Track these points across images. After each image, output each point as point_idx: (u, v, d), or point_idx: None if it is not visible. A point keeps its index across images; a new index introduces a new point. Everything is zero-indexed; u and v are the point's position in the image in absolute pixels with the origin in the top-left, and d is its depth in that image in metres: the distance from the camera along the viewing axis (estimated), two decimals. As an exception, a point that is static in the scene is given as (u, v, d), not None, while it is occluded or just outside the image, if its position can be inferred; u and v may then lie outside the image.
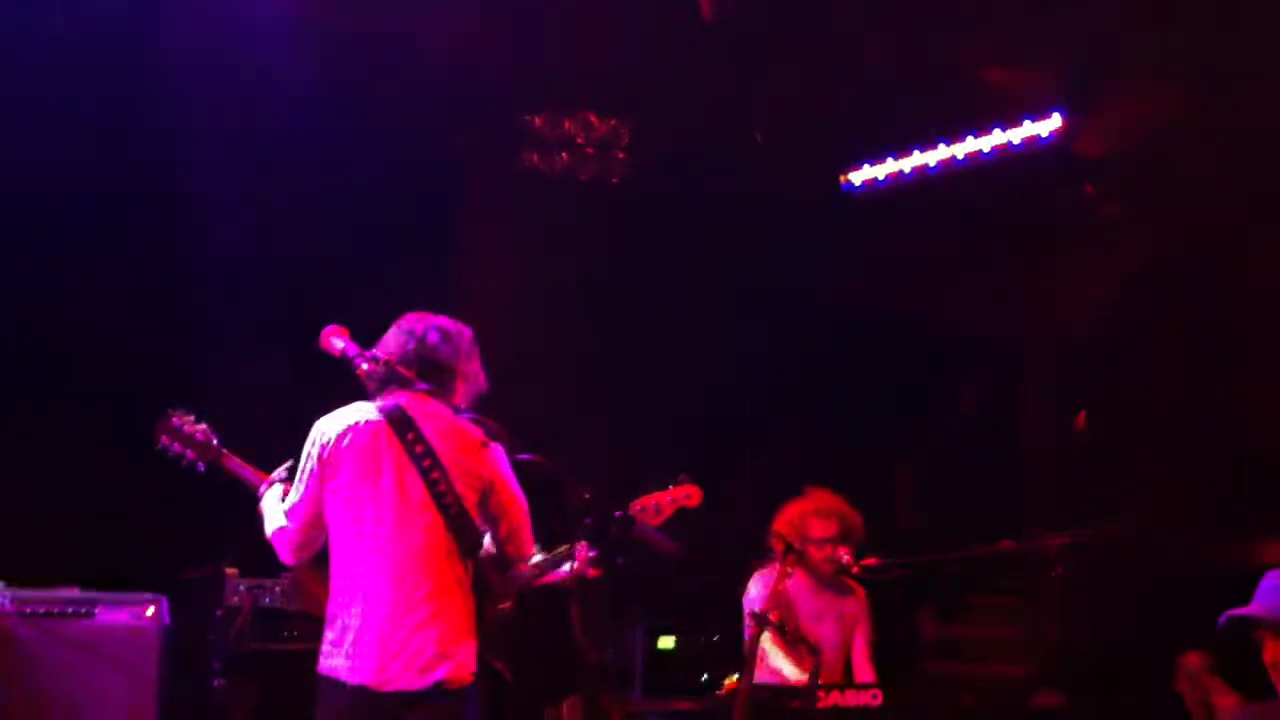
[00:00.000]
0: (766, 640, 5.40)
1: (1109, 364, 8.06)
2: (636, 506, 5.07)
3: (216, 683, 6.05)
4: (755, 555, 5.89)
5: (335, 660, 4.15)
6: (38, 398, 6.87)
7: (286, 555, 4.32)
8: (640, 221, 8.82)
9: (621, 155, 8.88)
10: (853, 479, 6.18)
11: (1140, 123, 7.54)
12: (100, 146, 7.02)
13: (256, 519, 4.46)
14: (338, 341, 4.34)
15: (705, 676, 7.28)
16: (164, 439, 4.76)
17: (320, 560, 4.32)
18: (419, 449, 4.20)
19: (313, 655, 4.26)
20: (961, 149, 8.06)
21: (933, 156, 8.21)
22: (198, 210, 7.33)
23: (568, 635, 4.95)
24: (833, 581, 5.92)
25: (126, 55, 6.98)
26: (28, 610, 5.73)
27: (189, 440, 4.74)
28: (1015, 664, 7.26)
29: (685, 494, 5.12)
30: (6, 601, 5.67)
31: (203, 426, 4.77)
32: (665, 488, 5.11)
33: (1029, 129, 7.79)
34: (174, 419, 4.77)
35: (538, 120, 8.77)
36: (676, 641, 7.61)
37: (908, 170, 8.31)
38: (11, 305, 6.94)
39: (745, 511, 6.05)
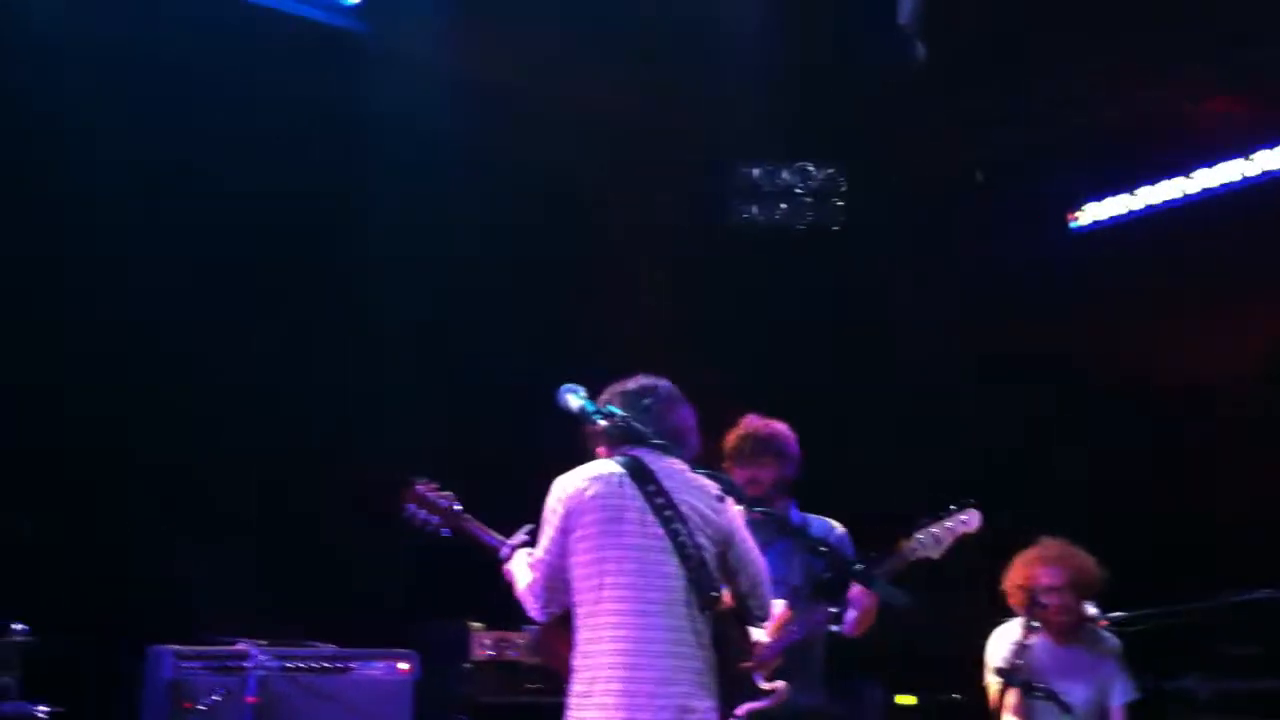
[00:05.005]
0: (1012, 699, 5.25)
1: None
2: (912, 542, 4.94)
3: (463, 734, 6.23)
4: (997, 611, 5.72)
5: (585, 712, 4.17)
6: (282, 464, 7.14)
7: (536, 611, 4.40)
8: (857, 266, 8.80)
9: (839, 203, 8.87)
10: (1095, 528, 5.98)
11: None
12: (283, 209, 7.29)
13: (501, 580, 4.56)
14: (574, 400, 4.44)
15: None
16: (410, 506, 4.91)
17: (564, 614, 4.39)
18: (660, 500, 4.25)
19: (553, 708, 4.32)
20: (1192, 184, 7.82)
21: (1161, 192, 7.98)
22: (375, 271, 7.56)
23: (807, 690, 4.92)
24: (1080, 634, 5.67)
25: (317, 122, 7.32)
26: (288, 666, 5.98)
27: (434, 507, 4.87)
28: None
29: (964, 520, 4.95)
30: (269, 659, 5.89)
31: (447, 493, 4.91)
32: (941, 516, 4.93)
33: (1264, 160, 7.52)
34: (419, 486, 4.93)
35: (754, 171, 8.86)
36: (917, 699, 7.45)
37: (1137, 208, 8.09)
38: (257, 372, 7.24)
39: (986, 564, 5.88)
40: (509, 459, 6.84)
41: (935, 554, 4.92)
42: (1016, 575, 5.64)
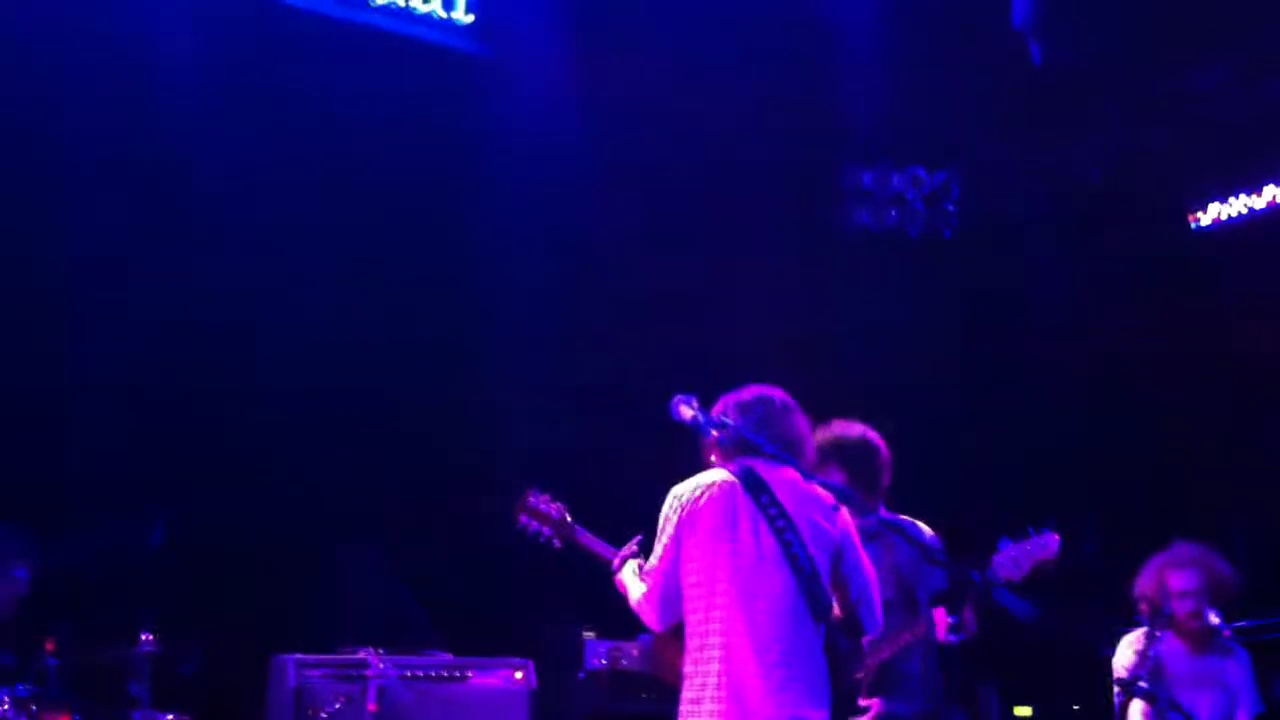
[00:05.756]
0: (1137, 709, 5.14)
1: None
2: (996, 562, 4.90)
3: (577, 742, 6.26)
4: (1120, 619, 5.61)
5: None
6: (408, 472, 7.26)
7: (653, 620, 4.41)
8: (971, 271, 8.69)
9: (951, 208, 8.77)
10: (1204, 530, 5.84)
11: None
12: (408, 225, 7.44)
13: (613, 589, 4.59)
14: (688, 409, 4.44)
15: None
16: (523, 518, 4.95)
17: (676, 625, 4.40)
18: (773, 510, 4.24)
19: (665, 717, 4.33)
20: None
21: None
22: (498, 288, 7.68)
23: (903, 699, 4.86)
24: (1209, 643, 5.53)
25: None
26: (407, 674, 6.04)
27: (545, 518, 4.91)
28: None
29: (1043, 544, 4.89)
30: (388, 667, 5.95)
31: (559, 505, 4.95)
32: (1022, 539, 4.87)
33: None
34: (531, 498, 4.97)
35: (866, 176, 8.79)
36: (1034, 710, 7.33)
37: (1260, 206, 7.88)
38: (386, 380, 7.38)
39: (1108, 572, 5.77)
40: (625, 467, 6.86)
41: (1016, 576, 4.84)
42: (1147, 580, 5.53)
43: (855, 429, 5.09)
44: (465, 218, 7.61)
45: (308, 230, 7.11)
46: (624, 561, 4.61)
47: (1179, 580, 5.46)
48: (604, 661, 6.34)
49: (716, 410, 4.46)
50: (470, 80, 7.56)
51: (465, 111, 7.54)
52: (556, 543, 4.91)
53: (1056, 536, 4.85)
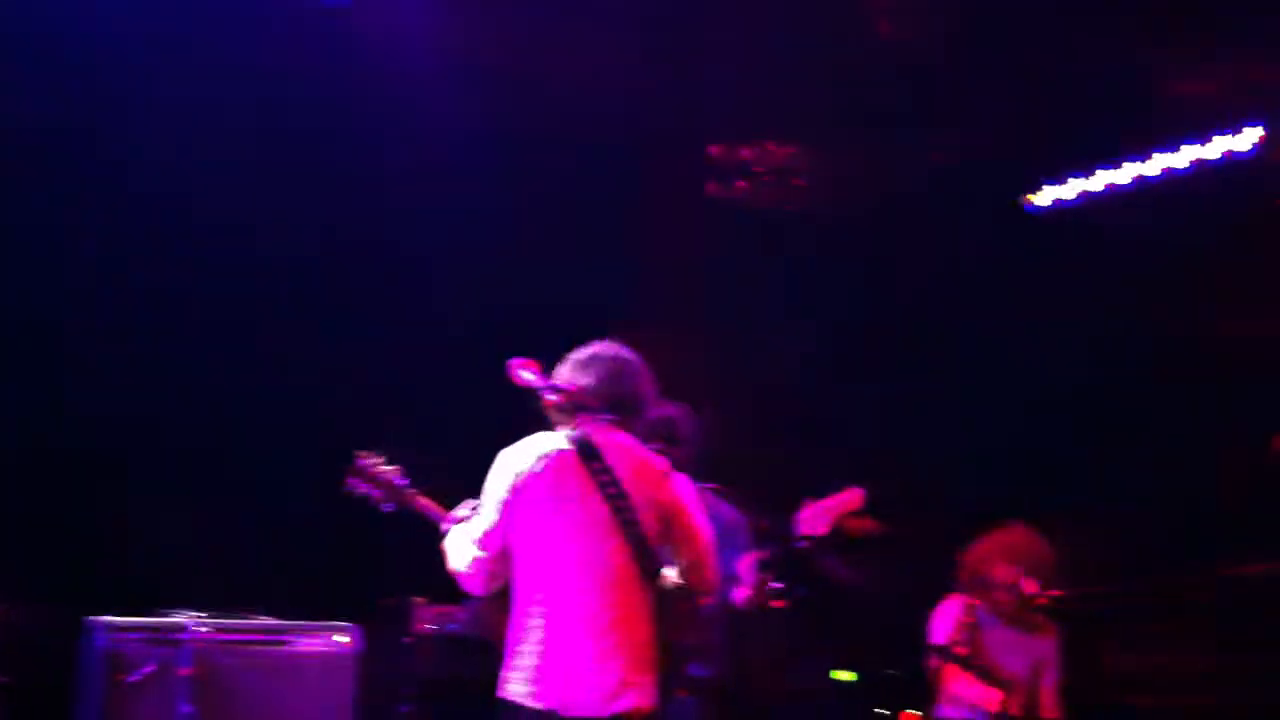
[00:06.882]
0: (953, 673, 5.26)
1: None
2: (799, 519, 5.01)
3: (404, 709, 6.16)
4: (942, 587, 5.74)
5: (518, 686, 4.16)
6: (228, 431, 7.11)
7: (477, 586, 4.36)
8: (820, 246, 8.76)
9: (800, 183, 8.83)
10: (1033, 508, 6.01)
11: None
12: (276, 191, 7.24)
13: (441, 560, 4.52)
14: (526, 373, 4.41)
15: (885, 711, 7.13)
16: (351, 480, 4.87)
17: (501, 589, 4.35)
18: (604, 477, 4.23)
19: (493, 681, 4.28)
20: (1153, 166, 7.82)
21: (1121, 175, 7.98)
22: (366, 249, 7.54)
23: (747, 666, 4.93)
24: (1020, 616, 5.69)
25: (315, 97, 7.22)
26: (224, 638, 5.89)
27: (376, 481, 4.84)
28: (1207, 696, 6.94)
29: (847, 498, 5.04)
30: (204, 630, 5.82)
31: (392, 468, 4.87)
32: (825, 495, 5.05)
33: (1225, 143, 7.52)
34: (362, 460, 4.89)
35: (715, 150, 8.79)
36: (857, 674, 7.45)
37: (1095, 190, 8.08)
38: (208, 346, 7.19)
39: (931, 542, 5.90)
40: (464, 429, 6.77)
41: (818, 531, 5.00)
42: (975, 557, 5.65)
43: (665, 407, 5.12)
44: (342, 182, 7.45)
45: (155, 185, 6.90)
46: (454, 524, 4.54)
47: (1004, 566, 5.61)
48: (432, 626, 6.27)
49: (558, 371, 4.42)
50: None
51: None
52: (387, 506, 4.84)
53: (860, 491, 4.96)
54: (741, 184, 8.84)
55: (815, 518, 4.99)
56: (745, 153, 8.84)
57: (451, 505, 4.60)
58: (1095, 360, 8.19)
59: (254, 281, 7.32)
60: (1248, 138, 7.45)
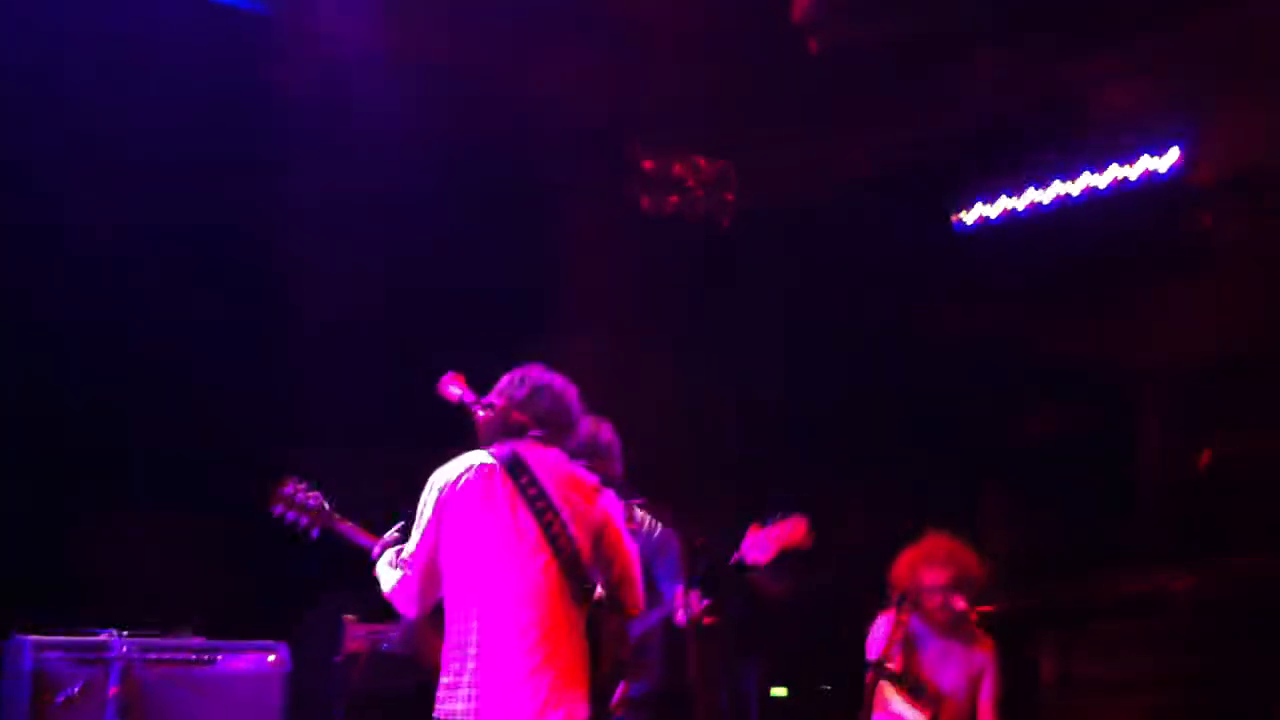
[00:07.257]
0: (886, 688, 5.30)
1: (1231, 396, 7.83)
2: (744, 547, 5.04)
3: (336, 728, 6.12)
4: (876, 600, 5.78)
5: (453, 705, 4.17)
6: (155, 447, 7.00)
7: (409, 607, 4.36)
8: (744, 259, 8.81)
9: (730, 197, 8.88)
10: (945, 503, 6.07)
11: (1265, 139, 7.34)
12: (197, 188, 7.10)
13: (372, 579, 4.51)
14: (455, 389, 4.44)
15: None
16: (278, 507, 4.87)
17: (435, 607, 4.35)
18: (533, 492, 4.25)
19: (425, 700, 4.29)
20: (1076, 186, 7.94)
21: (1047, 194, 8.10)
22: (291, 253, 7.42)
23: (683, 683, 4.94)
24: (955, 630, 5.73)
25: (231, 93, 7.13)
26: (151, 657, 5.82)
27: (302, 507, 4.84)
28: (1142, 697, 7.07)
29: (790, 527, 5.07)
30: (131, 649, 5.75)
31: (316, 494, 4.87)
32: (770, 524, 5.07)
33: (1146, 164, 7.66)
34: (287, 487, 4.88)
35: (647, 163, 8.82)
36: (790, 689, 7.50)
37: (1020, 208, 8.20)
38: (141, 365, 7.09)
39: (864, 553, 5.95)
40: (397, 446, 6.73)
41: (763, 559, 5.05)
42: (901, 570, 5.70)
43: (589, 423, 5.14)
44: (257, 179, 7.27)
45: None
46: (384, 549, 4.55)
47: (931, 576, 5.64)
48: (363, 644, 6.23)
49: (493, 390, 4.44)
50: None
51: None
52: (315, 532, 4.85)
53: (804, 520, 5.00)
54: (673, 198, 8.87)
55: (758, 546, 5.01)
56: (677, 167, 8.87)
57: (380, 529, 4.60)
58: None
59: (172, 298, 7.18)
60: (1168, 159, 7.58)
